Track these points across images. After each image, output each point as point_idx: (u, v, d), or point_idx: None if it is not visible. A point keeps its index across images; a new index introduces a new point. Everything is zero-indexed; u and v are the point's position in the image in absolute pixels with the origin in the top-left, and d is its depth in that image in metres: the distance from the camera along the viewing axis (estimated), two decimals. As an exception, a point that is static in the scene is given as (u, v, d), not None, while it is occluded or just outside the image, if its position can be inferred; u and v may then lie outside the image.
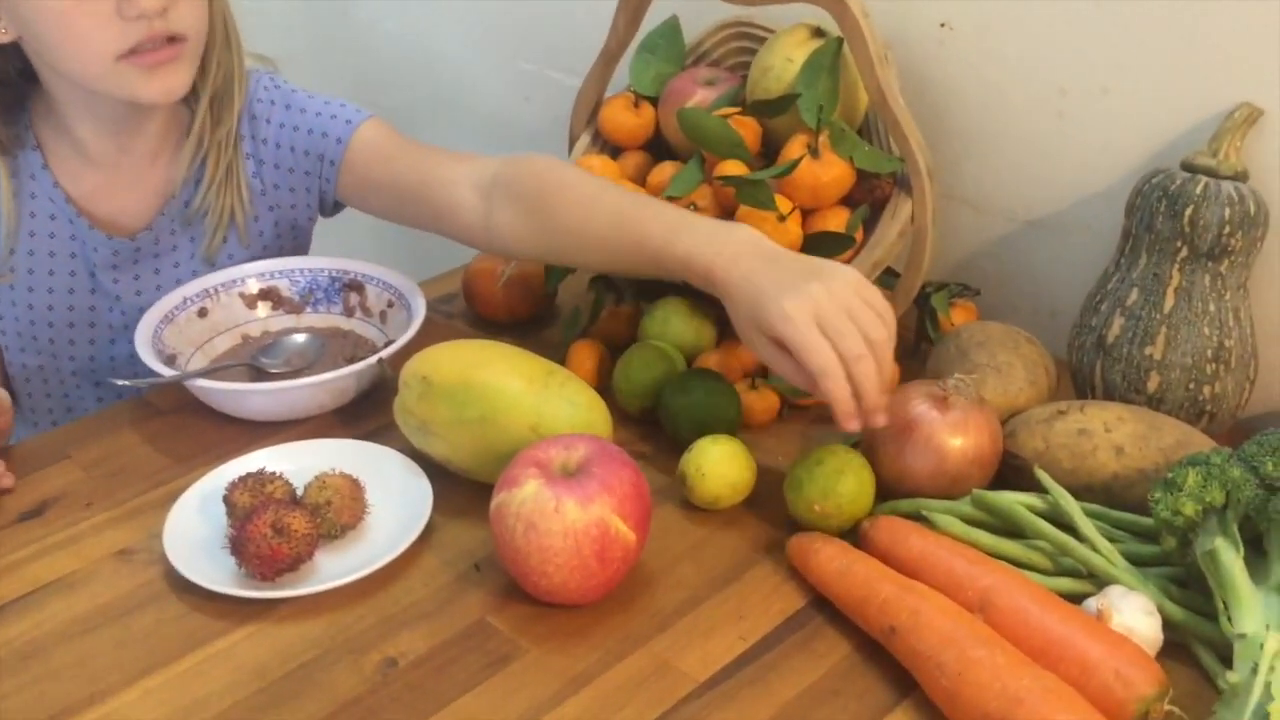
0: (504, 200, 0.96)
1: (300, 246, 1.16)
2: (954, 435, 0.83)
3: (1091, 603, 0.73)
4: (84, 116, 1.01)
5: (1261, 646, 0.67)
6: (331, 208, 1.13)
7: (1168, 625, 0.73)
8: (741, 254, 0.81)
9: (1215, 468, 0.72)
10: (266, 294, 1.08)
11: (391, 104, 1.67)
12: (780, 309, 0.76)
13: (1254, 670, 0.66)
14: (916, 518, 0.81)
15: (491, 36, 1.50)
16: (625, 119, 1.07)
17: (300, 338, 1.06)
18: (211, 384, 0.94)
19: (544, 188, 0.94)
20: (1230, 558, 0.71)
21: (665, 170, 1.02)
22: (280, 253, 1.13)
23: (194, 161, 1.05)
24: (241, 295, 1.07)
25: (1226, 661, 0.69)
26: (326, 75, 1.71)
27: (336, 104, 1.08)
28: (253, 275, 1.08)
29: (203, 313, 1.05)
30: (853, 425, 0.77)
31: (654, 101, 1.08)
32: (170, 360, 0.99)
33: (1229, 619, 0.69)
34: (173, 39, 0.94)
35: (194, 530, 0.83)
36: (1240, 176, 0.87)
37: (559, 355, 1.01)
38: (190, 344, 1.03)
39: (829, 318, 0.76)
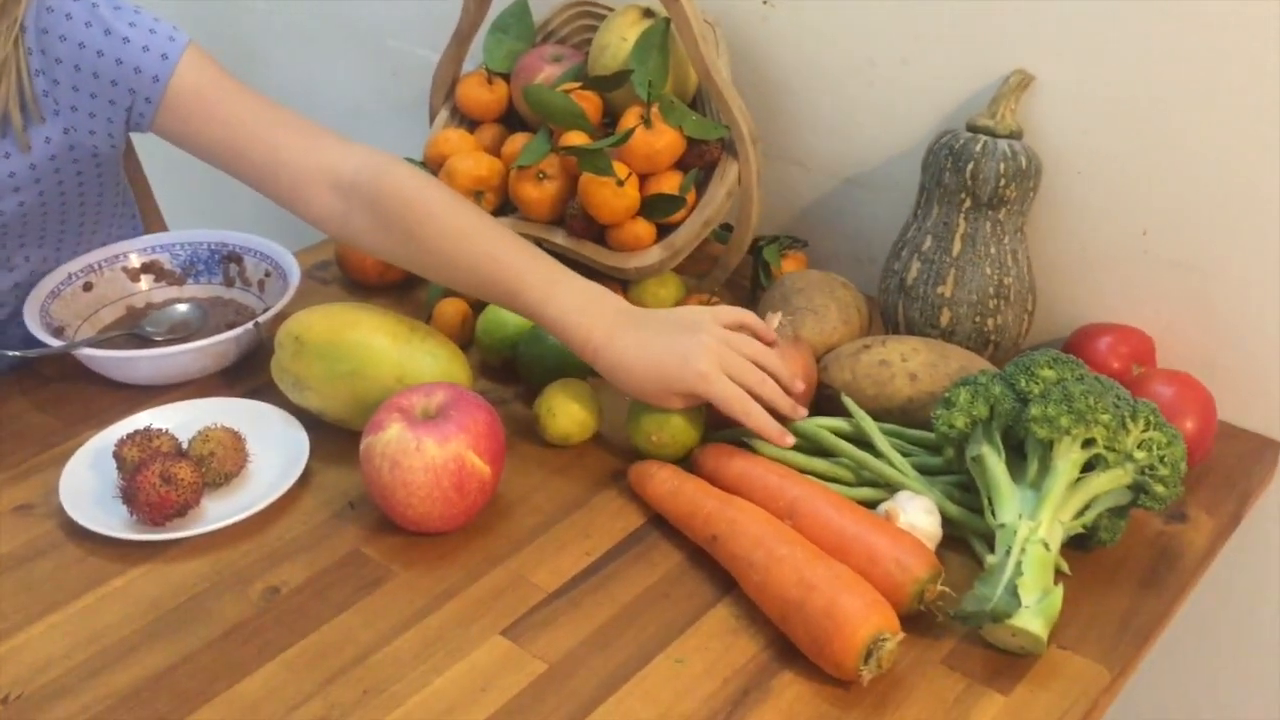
0: (365, 210, 0.96)
1: (105, 176, 1.09)
2: (773, 370, 0.94)
3: (882, 506, 0.85)
4: None
5: (1015, 533, 0.79)
6: (145, 131, 1.06)
7: (948, 522, 0.86)
8: (615, 326, 0.90)
9: (981, 386, 0.85)
10: (149, 267, 1.15)
11: (262, 81, 1.72)
12: (695, 373, 0.88)
13: (1008, 552, 0.78)
14: (741, 444, 0.93)
15: (359, 15, 1.57)
16: (480, 95, 1.16)
17: (183, 307, 1.13)
18: (99, 352, 1.01)
19: (411, 214, 0.95)
20: (993, 461, 0.83)
21: (517, 141, 1.11)
22: (77, 179, 1.05)
23: None
24: (124, 269, 1.14)
25: (993, 549, 0.82)
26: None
27: (145, 26, 1.00)
28: (134, 250, 1.15)
29: (88, 287, 1.11)
30: (788, 440, 0.88)
31: (506, 77, 1.17)
32: (58, 331, 1.06)
33: (993, 513, 0.82)
34: None
35: (87, 484, 0.91)
36: (1015, 135, 0.99)
37: (426, 313, 1.11)
38: (77, 316, 1.10)
39: (729, 363, 0.88)
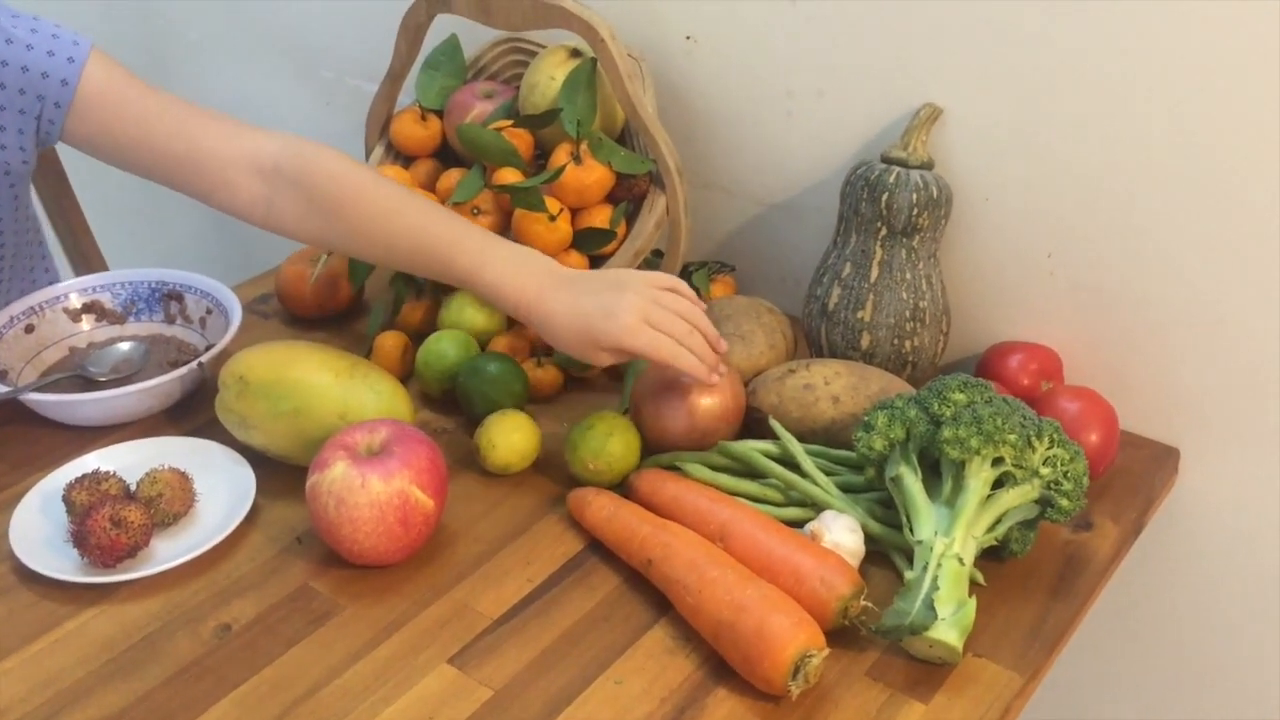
0: (290, 192, 0.97)
1: (19, 197, 1.08)
2: (703, 396, 0.98)
3: (808, 526, 0.90)
4: None
5: (931, 549, 0.84)
6: (55, 141, 1.04)
7: (871, 539, 0.91)
8: (545, 285, 0.93)
9: (898, 410, 0.90)
10: (90, 307, 1.17)
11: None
12: (620, 326, 0.90)
13: (925, 568, 0.83)
14: (674, 469, 0.97)
15: (293, 46, 1.59)
16: (414, 131, 1.19)
17: (125, 346, 1.15)
18: (43, 396, 1.03)
19: (339, 193, 0.96)
20: (910, 480, 0.88)
21: (452, 177, 1.15)
22: None
23: None
24: (65, 310, 1.16)
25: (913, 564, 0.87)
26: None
27: (46, 32, 0.99)
28: (74, 290, 1.16)
29: (29, 329, 1.13)
30: (714, 378, 0.94)
31: (440, 113, 1.20)
32: (2, 375, 1.07)
33: (910, 530, 0.87)
34: None
35: (37, 528, 0.93)
36: (926, 166, 1.05)
37: (367, 346, 1.13)
38: (20, 359, 1.11)
39: (655, 318, 0.92)
